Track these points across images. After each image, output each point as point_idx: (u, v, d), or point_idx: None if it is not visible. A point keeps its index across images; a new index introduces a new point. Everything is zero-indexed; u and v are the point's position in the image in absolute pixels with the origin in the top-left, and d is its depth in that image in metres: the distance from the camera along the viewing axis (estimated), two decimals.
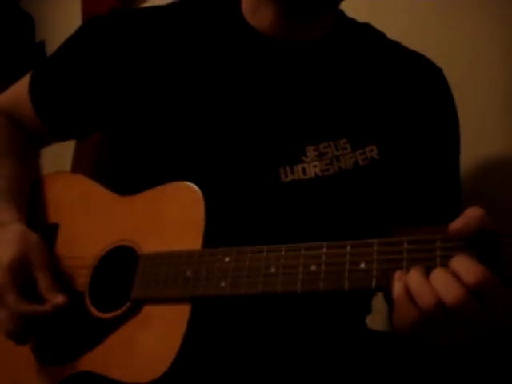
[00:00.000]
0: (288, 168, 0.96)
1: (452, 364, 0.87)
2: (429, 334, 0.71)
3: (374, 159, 0.98)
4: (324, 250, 0.77)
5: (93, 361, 0.91)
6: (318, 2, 0.95)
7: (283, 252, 0.80)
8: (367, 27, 1.07)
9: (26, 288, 0.95)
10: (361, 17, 1.08)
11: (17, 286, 0.93)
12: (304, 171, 0.96)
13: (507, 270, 0.67)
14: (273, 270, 0.80)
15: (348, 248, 0.76)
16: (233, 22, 1.03)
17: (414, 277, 0.69)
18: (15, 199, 1.06)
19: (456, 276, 0.67)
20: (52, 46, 2.65)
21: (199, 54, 1.02)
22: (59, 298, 0.93)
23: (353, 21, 1.07)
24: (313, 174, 0.96)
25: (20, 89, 1.14)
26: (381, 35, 1.07)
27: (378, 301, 1.07)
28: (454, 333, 0.70)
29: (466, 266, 0.67)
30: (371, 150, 0.98)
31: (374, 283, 0.73)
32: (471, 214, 0.69)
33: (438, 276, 0.68)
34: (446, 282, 0.67)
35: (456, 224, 0.69)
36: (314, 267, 0.77)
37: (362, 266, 0.74)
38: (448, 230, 0.69)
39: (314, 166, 0.96)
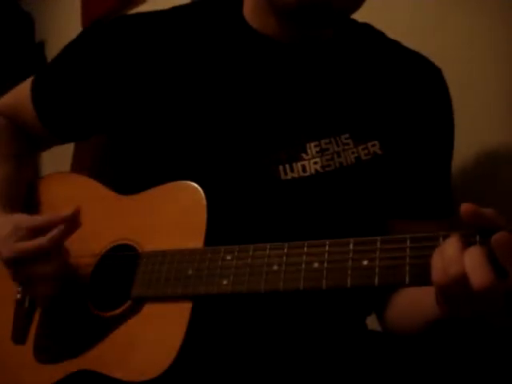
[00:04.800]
0: (288, 166, 0.96)
1: (452, 364, 0.87)
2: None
3: (376, 154, 0.99)
4: (327, 247, 0.78)
5: (93, 359, 0.92)
6: (321, 21, 0.96)
7: (286, 249, 0.81)
8: (367, 27, 1.08)
9: None
10: (361, 17, 1.08)
11: (24, 240, 0.95)
12: (304, 168, 0.97)
13: None
14: (275, 267, 0.80)
15: (351, 245, 0.76)
16: (234, 25, 1.04)
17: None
18: (7, 199, 1.07)
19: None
20: (52, 47, 2.66)
21: (200, 57, 1.02)
22: (60, 214, 0.95)
23: (353, 21, 1.07)
24: (313, 171, 0.97)
25: (21, 91, 1.15)
26: (381, 35, 1.08)
27: None
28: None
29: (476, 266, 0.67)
30: (373, 145, 0.99)
31: (376, 280, 0.73)
32: (484, 209, 0.69)
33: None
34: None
35: (468, 204, 0.69)
36: (316, 264, 0.77)
37: (365, 263, 0.74)
38: (460, 210, 0.69)
39: (315, 163, 0.97)
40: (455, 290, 0.69)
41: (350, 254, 0.76)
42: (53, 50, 2.58)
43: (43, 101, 1.12)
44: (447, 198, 1.05)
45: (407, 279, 0.72)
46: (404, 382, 0.86)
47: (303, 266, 0.78)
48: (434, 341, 0.90)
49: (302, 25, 0.98)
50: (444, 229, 0.92)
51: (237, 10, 1.04)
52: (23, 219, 0.98)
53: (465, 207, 0.68)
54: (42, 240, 0.93)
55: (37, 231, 0.95)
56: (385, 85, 1.02)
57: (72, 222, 0.94)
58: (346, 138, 0.99)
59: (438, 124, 1.05)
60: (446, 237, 0.71)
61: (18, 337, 1.01)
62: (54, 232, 0.93)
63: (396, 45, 1.07)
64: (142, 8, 2.09)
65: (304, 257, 0.79)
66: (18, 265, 0.95)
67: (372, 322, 1.09)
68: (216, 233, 0.89)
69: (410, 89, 1.03)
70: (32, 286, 0.97)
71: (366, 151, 0.99)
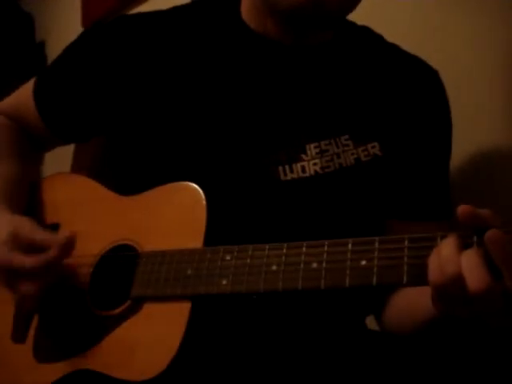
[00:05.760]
0: (287, 167, 0.97)
1: (452, 364, 0.87)
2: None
3: (376, 155, 0.99)
4: (325, 247, 0.78)
5: (93, 358, 0.92)
6: (315, 22, 0.96)
7: (285, 250, 0.81)
8: (366, 30, 1.09)
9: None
10: (361, 18, 1.09)
11: (19, 251, 0.93)
12: (303, 169, 0.97)
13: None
14: (274, 267, 0.80)
15: (349, 245, 0.76)
16: (232, 25, 1.04)
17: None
18: (10, 197, 1.06)
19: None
20: (52, 47, 2.66)
21: (199, 58, 1.02)
22: (60, 237, 0.92)
23: (352, 23, 1.08)
24: (312, 172, 0.97)
25: (24, 92, 1.15)
26: (379, 38, 1.09)
27: None
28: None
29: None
30: (373, 147, 0.99)
31: (374, 280, 0.73)
32: (481, 210, 0.69)
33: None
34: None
35: (464, 206, 0.69)
36: (315, 264, 0.77)
37: (363, 263, 0.74)
38: (456, 211, 0.69)
39: (314, 164, 0.97)
40: (451, 291, 0.69)
41: (349, 254, 0.76)
42: (53, 50, 2.58)
43: (45, 101, 1.12)
44: (446, 199, 1.06)
45: (405, 279, 0.72)
46: (404, 381, 0.86)
47: (302, 266, 0.78)
48: (434, 341, 0.90)
49: (297, 26, 0.98)
50: (443, 230, 0.92)
51: (234, 11, 1.04)
52: (24, 228, 0.95)
53: (461, 208, 0.68)
54: (28, 261, 0.91)
55: (33, 246, 0.93)
56: (384, 87, 1.03)
57: (65, 249, 0.92)
58: (345, 140, 0.99)
59: (435, 125, 1.05)
60: (443, 237, 0.71)
61: (18, 336, 1.01)
62: (42, 258, 0.91)
63: (394, 48, 1.08)
64: (143, 8, 2.09)
65: (303, 257, 0.79)
66: (5, 273, 0.94)
67: (372, 322, 1.09)
68: (215, 233, 0.89)
69: (408, 91, 1.04)
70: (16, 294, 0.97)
71: (366, 152, 0.99)
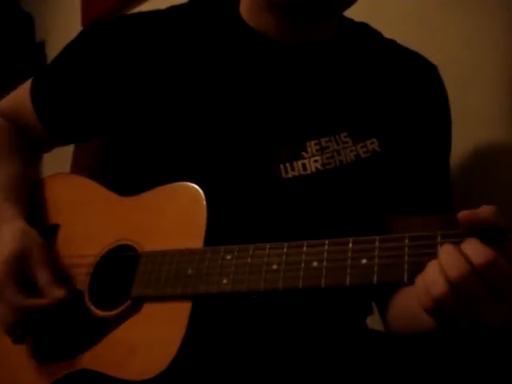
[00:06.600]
0: (288, 164, 0.97)
1: (452, 364, 0.87)
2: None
3: (375, 151, 1.00)
4: (326, 246, 0.78)
5: (92, 358, 0.91)
6: (316, 13, 0.96)
7: (285, 249, 0.81)
8: (364, 27, 1.09)
9: (26, 284, 0.95)
10: (361, 16, 1.09)
11: (15, 281, 0.94)
12: (304, 167, 0.97)
13: None
14: (275, 266, 0.80)
15: (350, 244, 0.76)
16: (232, 24, 1.04)
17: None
18: (15, 197, 1.06)
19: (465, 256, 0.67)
20: (52, 47, 2.66)
21: (199, 57, 1.02)
22: (58, 292, 0.93)
23: (350, 20, 1.08)
24: (313, 169, 0.97)
25: (21, 93, 1.15)
26: (378, 34, 1.09)
27: None
28: (456, 314, 0.70)
29: (476, 249, 0.67)
30: (372, 143, 1.00)
31: (375, 279, 0.73)
32: (482, 208, 0.69)
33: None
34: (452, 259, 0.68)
35: (465, 211, 0.69)
36: (315, 263, 0.77)
37: (364, 261, 0.74)
38: (456, 216, 0.69)
39: (315, 161, 0.98)
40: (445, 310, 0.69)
41: (349, 253, 0.76)
42: (53, 50, 2.58)
43: (43, 102, 1.12)
44: (446, 192, 1.06)
45: (406, 278, 0.72)
46: (404, 381, 0.86)
47: (302, 265, 0.78)
48: (434, 340, 0.90)
49: (296, 19, 0.98)
50: (443, 223, 0.92)
51: (233, 9, 1.04)
52: (32, 256, 0.96)
53: (461, 215, 0.69)
54: (18, 301, 0.93)
55: (33, 282, 0.94)
56: (382, 83, 1.03)
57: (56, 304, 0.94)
58: (344, 137, 0.99)
59: (434, 120, 1.05)
60: (444, 236, 0.71)
61: (18, 336, 1.01)
62: (32, 304, 0.93)
63: (392, 44, 1.09)
64: (143, 8, 2.09)
65: (303, 256, 0.79)
66: None
67: (372, 322, 1.09)
68: (216, 233, 0.89)
69: (406, 86, 1.04)
70: None
71: (365, 149, 0.99)
